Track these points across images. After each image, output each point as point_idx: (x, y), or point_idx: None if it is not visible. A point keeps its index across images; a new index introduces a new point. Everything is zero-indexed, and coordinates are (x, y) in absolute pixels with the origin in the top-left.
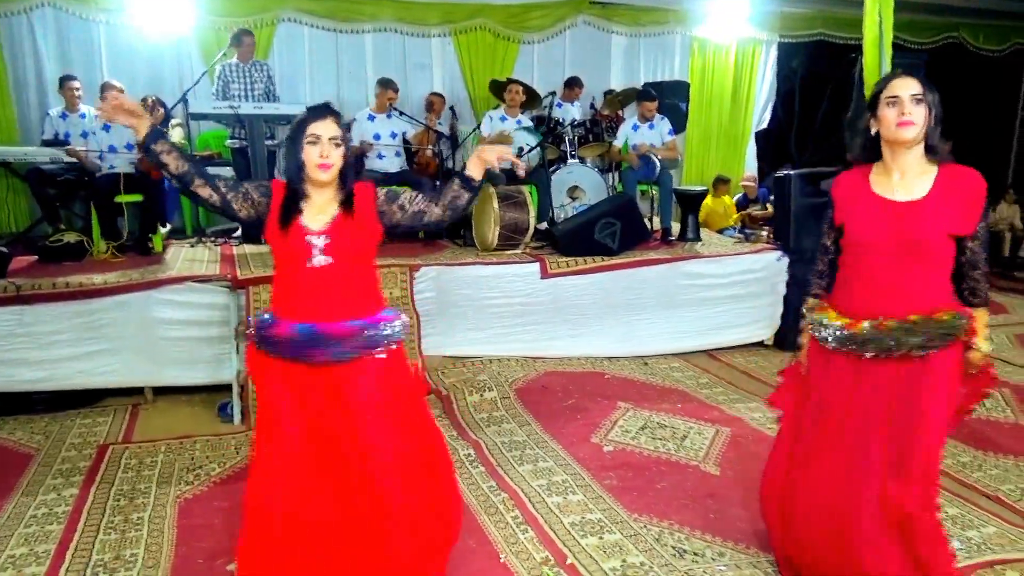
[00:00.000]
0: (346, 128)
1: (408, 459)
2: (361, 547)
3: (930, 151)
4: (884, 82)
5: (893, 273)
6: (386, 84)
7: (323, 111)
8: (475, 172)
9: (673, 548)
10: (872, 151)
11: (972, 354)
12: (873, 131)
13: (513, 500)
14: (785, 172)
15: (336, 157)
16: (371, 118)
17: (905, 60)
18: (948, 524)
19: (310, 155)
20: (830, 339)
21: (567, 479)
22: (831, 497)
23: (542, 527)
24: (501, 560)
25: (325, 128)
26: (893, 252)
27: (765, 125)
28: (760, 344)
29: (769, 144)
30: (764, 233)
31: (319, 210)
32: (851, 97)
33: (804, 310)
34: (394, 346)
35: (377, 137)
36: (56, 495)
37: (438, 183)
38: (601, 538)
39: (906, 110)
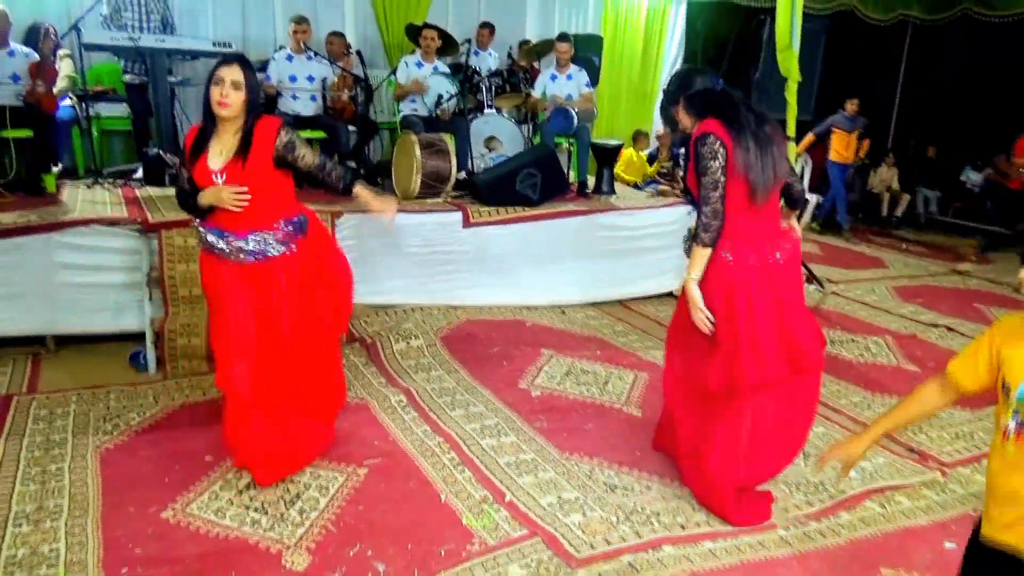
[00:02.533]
0: (259, 69)
1: (314, 336)
2: (272, 389)
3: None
4: None
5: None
6: (298, 20)
7: (231, 59)
8: (360, 198)
9: (604, 484)
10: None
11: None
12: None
13: (448, 443)
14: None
15: (235, 98)
16: (289, 58)
17: (809, 25)
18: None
19: (213, 94)
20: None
21: (499, 422)
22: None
23: (479, 467)
24: (442, 500)
25: (229, 72)
26: None
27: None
28: (670, 295)
29: None
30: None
31: (222, 146)
32: (759, 58)
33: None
34: (293, 247)
35: (293, 79)
36: None
37: (351, 128)
38: (536, 476)
39: None
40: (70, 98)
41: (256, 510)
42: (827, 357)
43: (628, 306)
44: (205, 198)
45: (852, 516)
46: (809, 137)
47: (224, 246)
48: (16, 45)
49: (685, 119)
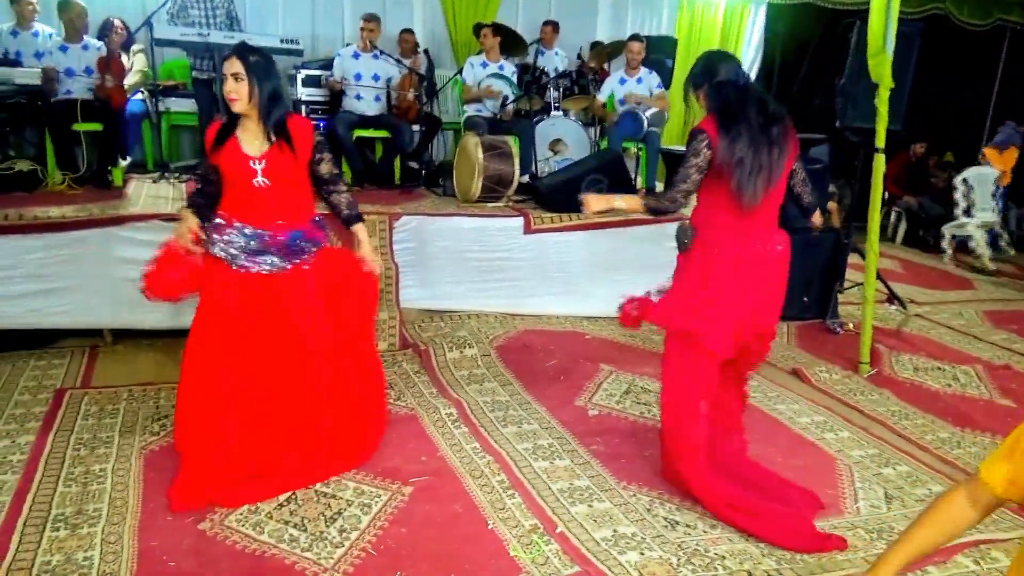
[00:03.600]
0: (324, 67)
1: (341, 359)
2: (290, 432)
3: None
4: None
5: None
6: (368, 18)
7: (230, 51)
8: (357, 236)
9: (665, 519)
10: None
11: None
12: None
13: (499, 464)
14: None
15: (240, 90)
16: (356, 56)
17: (902, 28)
18: None
19: (224, 91)
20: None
21: (553, 443)
22: None
23: (530, 493)
24: (489, 527)
25: (229, 66)
26: None
27: None
28: None
29: None
30: None
31: (254, 137)
32: (844, 63)
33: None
34: (317, 248)
35: (358, 77)
36: (10, 442)
37: (417, 127)
38: (591, 506)
39: None
40: (141, 92)
41: (295, 526)
42: (910, 385)
43: None
44: (181, 224)
45: (941, 573)
46: (991, 151)
47: (256, 245)
48: (90, 39)
49: (699, 104)
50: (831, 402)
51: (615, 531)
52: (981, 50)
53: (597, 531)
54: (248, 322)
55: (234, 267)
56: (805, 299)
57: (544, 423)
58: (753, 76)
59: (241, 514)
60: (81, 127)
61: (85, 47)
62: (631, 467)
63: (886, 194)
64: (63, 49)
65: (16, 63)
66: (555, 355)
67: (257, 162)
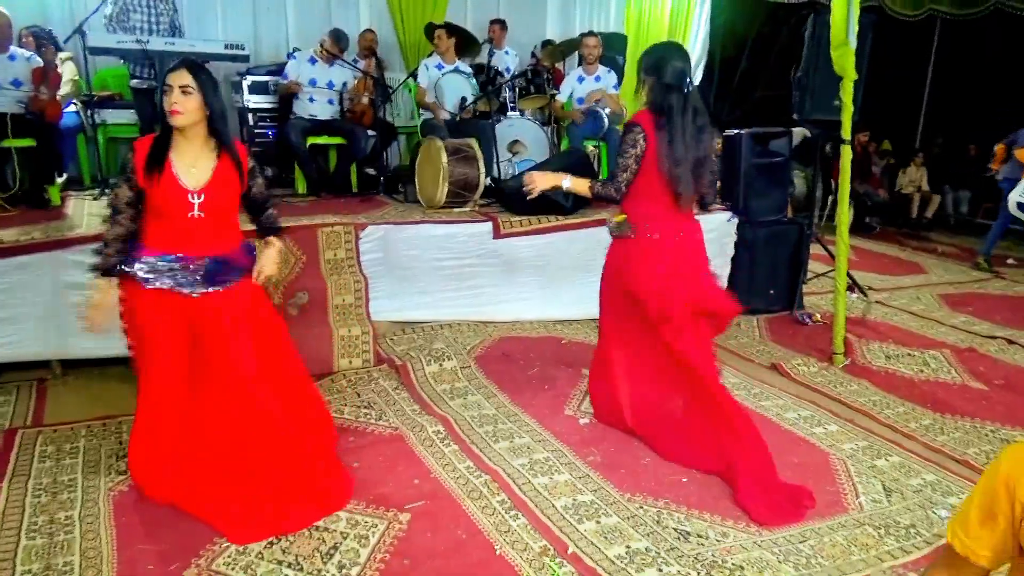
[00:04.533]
0: (274, 72)
1: (274, 370)
2: (249, 451)
3: None
4: None
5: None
6: (338, 37)
7: (178, 64)
8: (268, 246)
9: (675, 530)
10: None
11: None
12: None
13: (497, 482)
14: (735, 132)
15: (188, 104)
16: (312, 61)
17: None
18: (929, 491)
19: (165, 103)
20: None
21: (549, 456)
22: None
23: (533, 512)
24: (497, 552)
25: (177, 78)
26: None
27: (696, 83)
28: None
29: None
30: None
31: (191, 162)
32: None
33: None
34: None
35: (313, 83)
36: None
37: (370, 132)
38: (599, 522)
39: None
40: (74, 104)
41: (290, 566)
42: (885, 373)
43: None
44: (99, 297)
45: None
46: (1001, 148)
47: (178, 269)
48: (16, 49)
49: (642, 95)
50: (814, 395)
51: (628, 547)
52: (914, 40)
53: (610, 548)
54: (176, 343)
55: (149, 286)
56: (772, 291)
57: (536, 436)
58: (699, 71)
59: (229, 556)
60: (12, 143)
61: (12, 57)
62: (632, 477)
63: (832, 183)
64: None
65: None
66: (535, 363)
67: (195, 196)
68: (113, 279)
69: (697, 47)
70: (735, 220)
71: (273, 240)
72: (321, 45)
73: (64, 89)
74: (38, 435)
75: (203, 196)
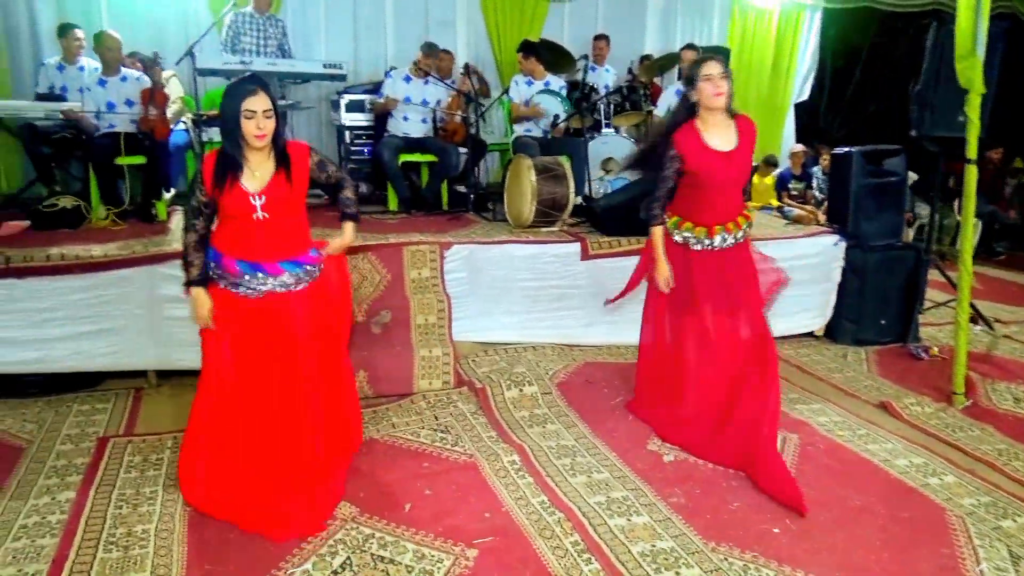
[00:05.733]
0: (371, 91)
1: (325, 375)
2: (284, 445)
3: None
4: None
5: (728, 196)
6: (430, 50)
7: (254, 87)
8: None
9: None
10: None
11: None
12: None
13: (571, 521)
14: (845, 150)
15: (270, 125)
16: (407, 79)
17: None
18: None
19: (248, 128)
20: (693, 243)
21: (628, 495)
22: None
23: (607, 557)
24: None
25: (259, 103)
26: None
27: (805, 97)
28: (809, 335)
29: (808, 117)
30: (799, 212)
31: (255, 168)
32: (900, 67)
33: (652, 224)
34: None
35: (408, 100)
36: (50, 499)
37: (461, 150)
38: (678, 573)
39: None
40: (184, 123)
41: None
42: (1013, 418)
43: None
44: (197, 306)
45: None
46: None
47: (253, 282)
48: (127, 71)
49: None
50: (928, 440)
51: None
52: None
53: None
54: (250, 346)
55: (234, 291)
56: (883, 321)
57: (615, 471)
58: (808, 84)
59: None
60: (124, 161)
61: (124, 79)
62: (718, 523)
63: (956, 204)
64: (101, 84)
65: (61, 98)
66: (620, 391)
67: (257, 198)
68: (204, 287)
69: (807, 58)
70: (843, 244)
71: (347, 226)
72: (415, 64)
73: (173, 108)
74: (127, 444)
75: (263, 197)
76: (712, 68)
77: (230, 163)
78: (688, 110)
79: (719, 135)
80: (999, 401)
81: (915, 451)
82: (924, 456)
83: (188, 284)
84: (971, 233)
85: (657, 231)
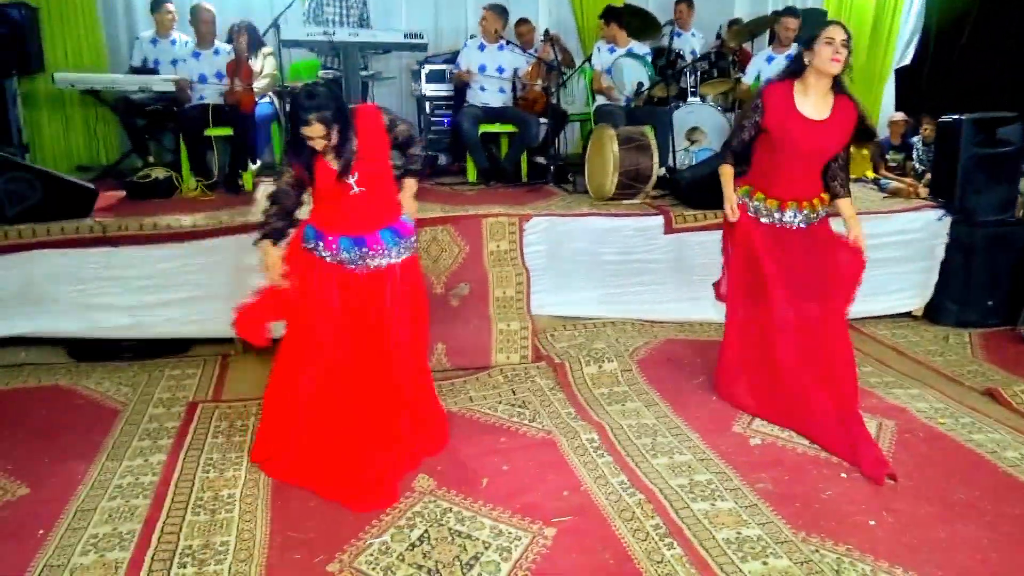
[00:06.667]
0: (448, 60)
1: (413, 351)
2: (369, 416)
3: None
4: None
5: (804, 170)
6: (496, 10)
7: (308, 116)
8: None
9: None
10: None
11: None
12: (807, 61)
13: (651, 503)
14: (954, 117)
15: (332, 139)
16: (481, 47)
17: None
18: None
19: (314, 145)
20: (763, 215)
21: (712, 479)
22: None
23: (690, 543)
24: None
25: (313, 131)
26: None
27: (907, 62)
28: (907, 315)
29: (910, 84)
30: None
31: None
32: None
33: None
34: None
35: (483, 69)
36: (143, 460)
37: (542, 120)
38: (766, 564)
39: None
40: (269, 96)
41: (429, 572)
42: None
43: (858, 328)
44: (265, 259)
45: None
46: None
47: (357, 256)
48: (221, 44)
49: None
50: None
51: None
52: None
53: None
54: (343, 314)
55: (334, 262)
56: (990, 303)
57: (699, 453)
58: (912, 49)
59: (371, 556)
60: (213, 132)
61: (216, 52)
62: (808, 513)
63: None
64: (196, 56)
65: (154, 71)
66: (703, 370)
67: (351, 175)
68: (277, 245)
69: (911, 20)
70: (947, 219)
71: (408, 182)
72: (481, 24)
73: (261, 83)
74: (215, 409)
75: (356, 174)
76: (836, 32)
77: (309, 150)
78: (796, 70)
79: (813, 103)
80: None
81: None
82: None
83: (261, 236)
84: None
85: (726, 168)
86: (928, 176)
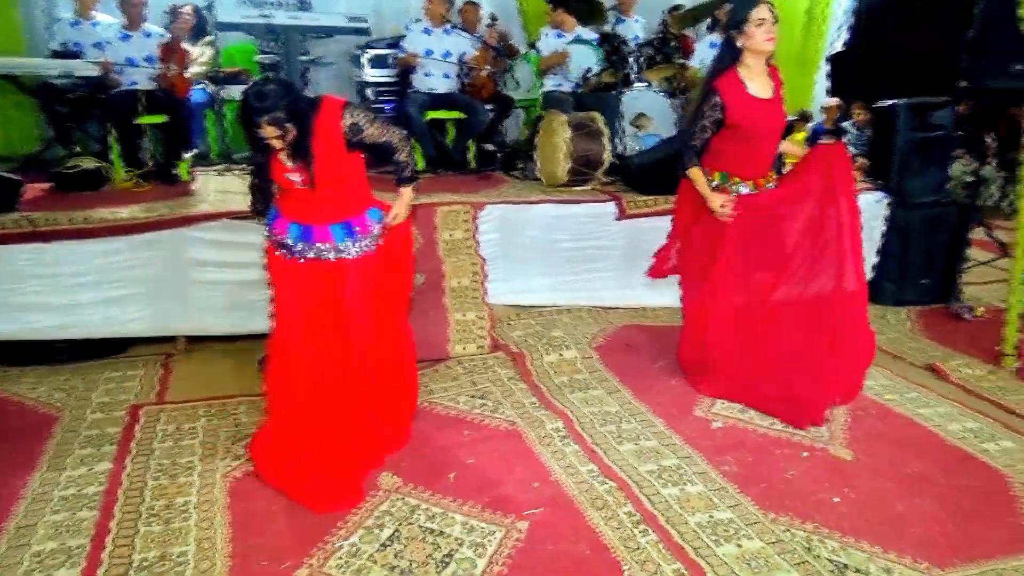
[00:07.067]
0: (392, 45)
1: (380, 345)
2: (330, 414)
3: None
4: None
5: (771, 146)
6: None
7: (259, 120)
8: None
9: (830, 561)
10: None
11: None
12: (740, 44)
13: (623, 491)
14: (890, 102)
15: (287, 136)
16: (427, 31)
17: None
18: None
19: (269, 143)
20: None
21: (679, 463)
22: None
23: (664, 528)
24: (625, 573)
25: (265, 132)
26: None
27: (839, 48)
28: None
29: (843, 70)
30: None
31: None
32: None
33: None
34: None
35: (428, 53)
36: (86, 470)
37: (491, 108)
38: (739, 546)
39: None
40: (203, 81)
41: (403, 572)
42: None
43: None
44: None
45: None
46: None
47: (301, 248)
48: (151, 26)
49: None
50: (981, 404)
51: None
52: None
53: None
54: (306, 310)
55: (288, 257)
56: (926, 281)
57: (664, 439)
58: (843, 36)
59: (341, 559)
60: (145, 120)
61: (146, 34)
62: (775, 493)
63: (995, 161)
64: (124, 38)
65: (76, 55)
66: (661, 354)
67: (292, 173)
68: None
69: (841, 7)
70: (885, 201)
71: (404, 191)
72: (426, 9)
73: (197, 69)
74: (160, 412)
75: (299, 174)
76: (764, 12)
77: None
78: (733, 56)
79: (760, 83)
80: None
81: (969, 415)
82: (979, 421)
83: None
84: None
85: (696, 171)
86: (862, 159)
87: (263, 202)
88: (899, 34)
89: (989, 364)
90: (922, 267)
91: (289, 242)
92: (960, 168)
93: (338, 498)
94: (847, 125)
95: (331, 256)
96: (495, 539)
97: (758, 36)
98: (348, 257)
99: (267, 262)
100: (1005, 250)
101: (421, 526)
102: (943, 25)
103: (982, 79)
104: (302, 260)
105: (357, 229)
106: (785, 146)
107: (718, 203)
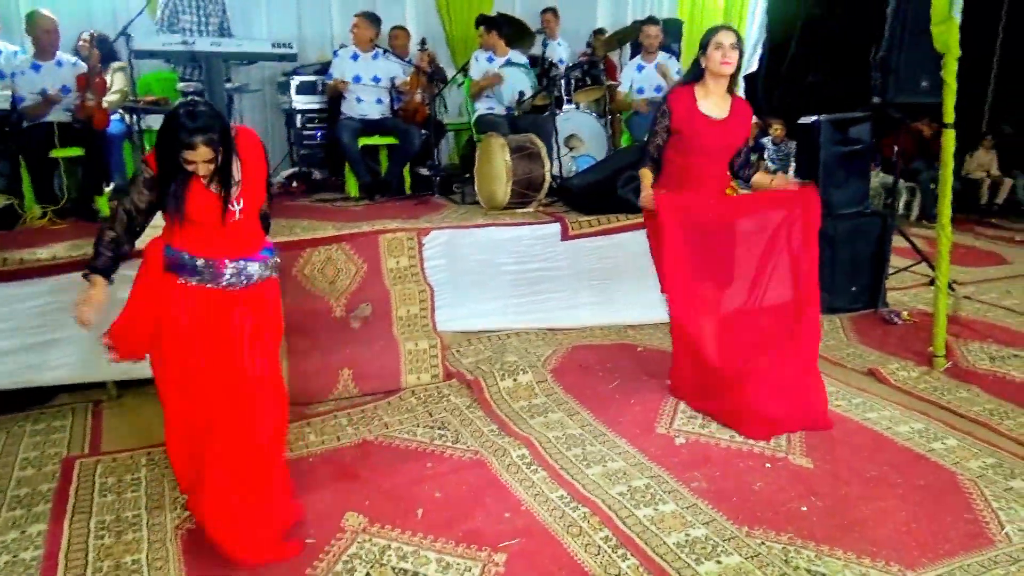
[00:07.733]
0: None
1: (263, 362)
2: (236, 435)
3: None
4: (712, 32)
5: (712, 166)
6: (369, 18)
7: (193, 139)
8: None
9: (808, 572)
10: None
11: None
12: (703, 65)
13: (597, 516)
14: (813, 119)
15: (214, 163)
16: (355, 57)
17: None
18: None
19: (194, 169)
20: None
21: (649, 483)
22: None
23: (644, 551)
24: None
25: (198, 155)
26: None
27: (754, 69)
28: None
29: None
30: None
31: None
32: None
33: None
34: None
35: (357, 79)
36: (19, 533)
37: (423, 132)
38: (719, 562)
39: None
40: (119, 111)
41: None
42: (993, 377)
43: None
44: (89, 297)
45: None
46: None
47: (209, 274)
48: (63, 55)
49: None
50: (922, 405)
51: None
52: (979, 13)
53: None
54: (196, 339)
55: (181, 281)
56: (853, 288)
57: (630, 458)
58: (756, 57)
59: None
60: (60, 153)
61: (59, 63)
62: (746, 506)
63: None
64: (35, 68)
65: None
66: (615, 374)
67: (235, 203)
68: (109, 283)
69: (754, 31)
70: None
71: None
72: (352, 31)
73: (112, 98)
74: (96, 464)
75: (241, 201)
76: (725, 37)
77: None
78: (696, 75)
79: (713, 104)
80: (976, 361)
81: (913, 417)
82: (923, 421)
83: (95, 270)
84: (948, 197)
85: (644, 171)
86: (781, 173)
87: (119, 250)
88: (810, 54)
89: (923, 366)
90: (850, 275)
91: (233, 280)
92: (876, 179)
93: (260, 549)
94: (765, 141)
95: (241, 284)
96: (473, 574)
97: (715, 58)
98: (244, 287)
99: (145, 288)
100: (923, 256)
101: (394, 567)
102: (849, 46)
103: (894, 95)
104: (210, 287)
105: (254, 264)
106: (760, 177)
107: (646, 194)
